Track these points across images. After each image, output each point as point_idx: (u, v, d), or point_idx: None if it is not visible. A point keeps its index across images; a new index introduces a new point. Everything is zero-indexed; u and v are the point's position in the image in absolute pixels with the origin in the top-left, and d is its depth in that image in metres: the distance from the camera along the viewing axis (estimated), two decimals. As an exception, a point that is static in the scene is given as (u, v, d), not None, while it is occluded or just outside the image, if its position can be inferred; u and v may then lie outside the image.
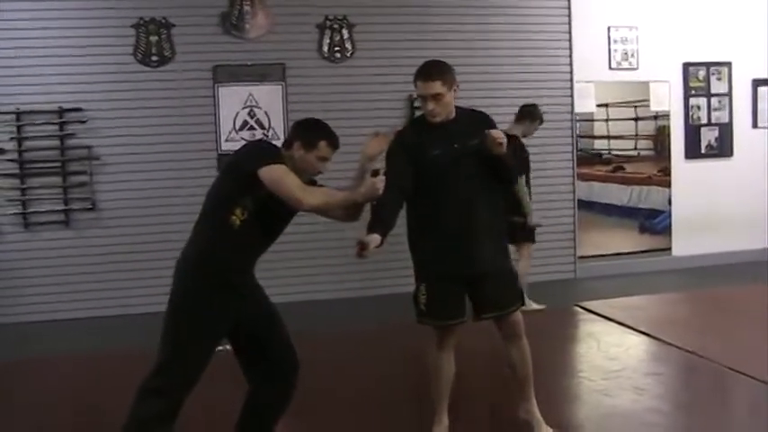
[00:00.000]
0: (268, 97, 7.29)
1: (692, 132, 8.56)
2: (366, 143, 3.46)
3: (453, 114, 3.61)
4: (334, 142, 3.27)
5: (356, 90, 7.41)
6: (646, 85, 8.51)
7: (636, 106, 9.70)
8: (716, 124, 8.61)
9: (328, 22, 7.42)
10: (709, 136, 8.60)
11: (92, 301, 6.95)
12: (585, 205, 8.75)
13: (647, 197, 9.58)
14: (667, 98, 8.49)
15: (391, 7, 7.50)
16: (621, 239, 9.17)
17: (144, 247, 6.97)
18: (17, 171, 6.88)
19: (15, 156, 6.86)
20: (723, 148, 8.63)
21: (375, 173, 3.26)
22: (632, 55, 8.23)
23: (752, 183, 8.51)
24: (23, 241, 6.91)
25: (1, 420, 4.41)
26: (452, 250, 3.57)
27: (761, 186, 8.51)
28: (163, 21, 7.08)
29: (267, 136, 7.15)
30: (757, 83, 8.68)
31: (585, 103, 8.26)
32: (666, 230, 8.65)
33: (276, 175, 3.08)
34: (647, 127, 9.78)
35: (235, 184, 3.17)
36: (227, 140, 7.18)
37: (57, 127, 6.91)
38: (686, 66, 8.45)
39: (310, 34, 7.41)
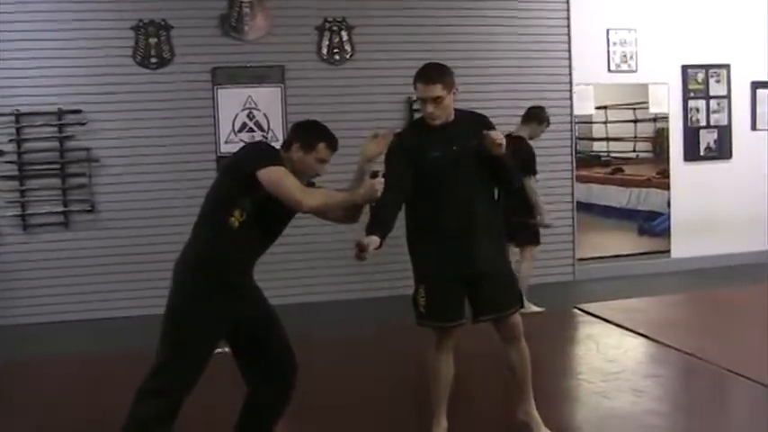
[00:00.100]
0: (267, 99, 7.29)
1: (691, 135, 8.56)
2: (365, 144, 3.47)
3: (452, 116, 3.62)
4: (332, 144, 3.27)
5: (355, 92, 7.42)
6: (645, 87, 8.52)
7: (635, 108, 9.72)
8: (715, 126, 8.61)
9: (327, 24, 7.42)
10: (708, 138, 8.60)
11: (91, 303, 6.95)
12: (584, 207, 8.77)
13: (645, 199, 9.60)
14: (666, 100, 8.50)
15: (390, 9, 7.50)
16: (620, 241, 9.18)
17: (143, 249, 6.97)
18: (16, 173, 6.87)
19: (15, 157, 6.86)
20: (722, 150, 8.63)
21: (374, 174, 3.27)
22: (631, 57, 8.24)
23: (751, 185, 8.51)
24: (23, 243, 6.91)
25: (1, 420, 4.41)
26: (452, 251, 3.57)
27: (760, 188, 8.52)
28: (162, 23, 7.08)
29: (266, 138, 7.15)
30: (756, 85, 8.69)
31: (584, 106, 8.27)
32: (665, 232, 8.66)
33: (275, 177, 3.08)
34: (646, 129, 9.80)
35: (234, 186, 3.17)
36: (226, 142, 7.18)
37: (56, 129, 6.91)
38: (685, 68, 8.45)
39: (309, 36, 7.41)
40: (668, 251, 8.59)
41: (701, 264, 8.33)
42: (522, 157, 6.15)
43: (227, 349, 3.37)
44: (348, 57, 7.48)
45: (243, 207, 3.14)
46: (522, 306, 3.85)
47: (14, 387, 5.11)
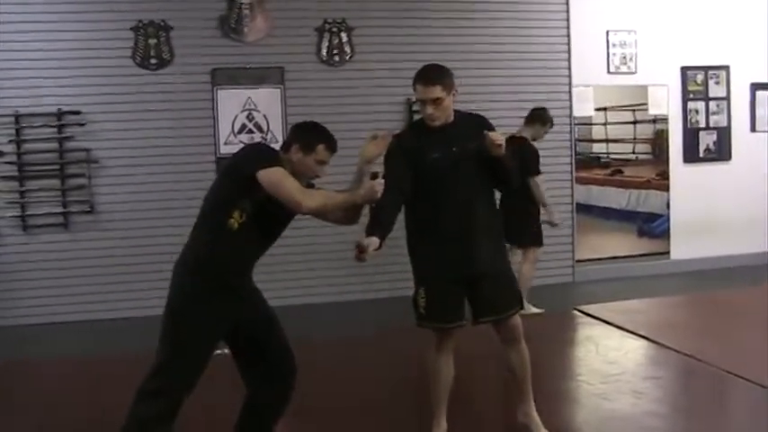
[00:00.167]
0: (267, 100, 7.29)
1: (691, 136, 8.56)
2: (364, 146, 3.46)
3: (452, 118, 3.62)
4: (332, 146, 3.27)
5: (355, 93, 7.41)
6: (644, 88, 8.53)
7: (634, 110, 9.75)
8: (714, 128, 8.62)
9: (327, 26, 7.42)
10: (707, 140, 8.60)
11: (90, 304, 6.94)
12: (584, 209, 8.79)
13: (645, 201, 9.61)
14: (666, 102, 8.50)
15: (390, 11, 7.51)
16: (620, 243, 9.19)
17: (142, 250, 6.97)
18: (16, 174, 6.87)
19: (14, 158, 6.85)
20: (721, 151, 8.63)
21: (374, 176, 3.27)
22: (631, 59, 8.24)
23: (750, 186, 8.51)
24: (22, 244, 6.90)
25: (1, 420, 4.41)
26: (451, 252, 3.57)
27: (759, 190, 8.52)
28: (161, 23, 7.08)
29: (266, 139, 7.15)
30: (756, 87, 8.69)
31: (584, 107, 8.28)
32: (665, 234, 8.66)
33: (275, 178, 3.08)
34: (646, 131, 9.82)
35: (233, 187, 3.17)
36: (225, 143, 7.17)
37: (55, 130, 6.91)
38: (684, 69, 8.45)
39: (309, 37, 7.41)
40: (668, 253, 8.59)
41: (701, 265, 8.32)
42: (525, 158, 6.21)
43: (226, 350, 3.37)
44: (348, 58, 7.48)
45: (242, 208, 3.14)
46: (522, 307, 3.85)
47: (14, 387, 5.12)
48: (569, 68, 7.94)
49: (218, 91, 7.20)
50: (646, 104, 8.73)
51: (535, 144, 6.53)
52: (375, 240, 3.33)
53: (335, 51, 7.44)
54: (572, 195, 8.05)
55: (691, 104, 8.53)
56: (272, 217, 3.22)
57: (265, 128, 7.29)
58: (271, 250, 3.36)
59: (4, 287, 6.83)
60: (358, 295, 7.34)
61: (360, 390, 4.80)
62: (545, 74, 7.84)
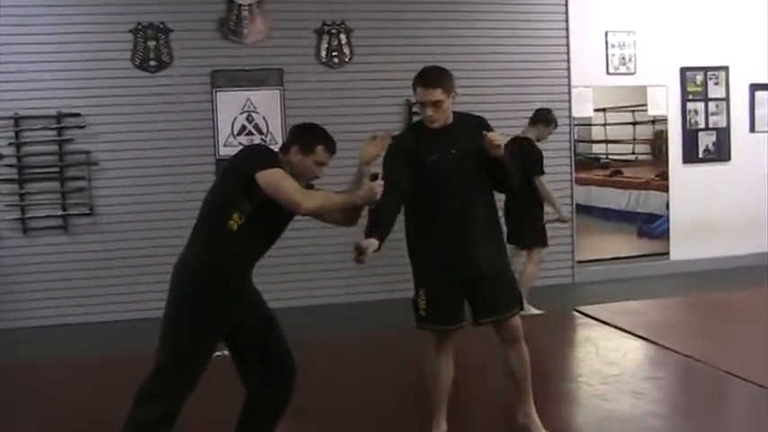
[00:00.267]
0: (266, 102, 7.29)
1: (690, 137, 8.57)
2: (363, 147, 3.46)
3: (451, 119, 3.62)
4: (331, 147, 3.27)
5: (354, 95, 7.42)
6: (643, 89, 8.52)
7: (633, 111, 9.73)
8: (713, 129, 8.62)
9: (326, 28, 7.42)
10: (706, 140, 8.60)
11: (90, 306, 6.94)
12: (583, 210, 8.77)
13: (645, 201, 9.60)
14: (665, 103, 8.50)
15: (389, 12, 7.51)
16: (619, 244, 9.18)
17: (142, 252, 6.97)
18: (15, 176, 6.87)
19: (14, 161, 6.86)
20: (721, 152, 8.63)
21: (374, 177, 3.27)
22: (630, 59, 8.24)
23: (749, 187, 8.51)
24: (22, 246, 6.90)
25: (0, 421, 4.41)
26: (451, 254, 3.57)
27: (759, 191, 8.52)
28: (161, 26, 7.09)
29: (265, 141, 7.16)
30: (755, 87, 8.69)
31: (583, 108, 8.27)
32: (664, 235, 8.66)
33: (274, 179, 3.08)
34: (645, 131, 9.80)
35: (233, 189, 3.17)
36: (225, 145, 7.18)
37: (55, 132, 6.91)
38: (684, 70, 8.46)
39: (308, 39, 7.42)
40: (667, 253, 8.60)
41: (701, 266, 8.33)
42: (529, 159, 6.24)
43: (226, 352, 3.37)
44: (347, 60, 7.48)
45: (242, 210, 3.14)
46: (522, 308, 3.85)
47: (14, 389, 5.12)
48: (568, 69, 7.95)
49: (218, 93, 7.21)
50: (645, 105, 8.72)
51: (538, 145, 6.55)
52: (374, 242, 3.33)
53: (335, 53, 7.45)
54: (572, 196, 8.05)
55: (690, 105, 8.54)
56: (272, 218, 3.22)
57: (265, 129, 7.29)
58: (270, 252, 3.35)
59: (3, 290, 6.83)
60: (357, 297, 7.34)
61: (359, 391, 4.80)
62: (544, 75, 7.85)
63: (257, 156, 3.25)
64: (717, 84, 8.58)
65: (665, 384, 4.93)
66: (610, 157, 10.94)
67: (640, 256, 8.79)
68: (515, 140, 6.31)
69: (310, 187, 3.34)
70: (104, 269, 6.98)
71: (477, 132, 3.53)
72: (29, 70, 6.81)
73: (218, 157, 7.14)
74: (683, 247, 8.51)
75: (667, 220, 8.64)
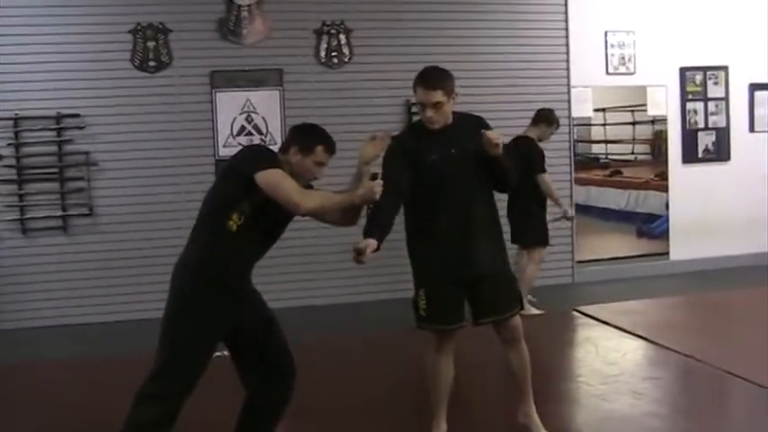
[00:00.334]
0: (265, 102, 7.29)
1: (690, 137, 8.57)
2: (362, 147, 3.46)
3: (450, 119, 3.62)
4: (331, 147, 3.27)
5: (353, 95, 7.42)
6: (643, 89, 8.52)
7: (633, 111, 9.72)
8: (713, 128, 8.63)
9: (325, 28, 7.42)
10: (706, 140, 8.61)
11: (90, 307, 6.94)
12: (583, 210, 8.76)
13: (644, 201, 9.59)
14: (664, 102, 8.51)
15: (389, 12, 7.51)
16: (619, 244, 9.18)
17: (141, 253, 6.97)
18: (15, 177, 6.87)
19: (13, 161, 6.86)
20: (720, 152, 8.64)
21: (374, 177, 3.27)
22: (629, 59, 8.25)
23: (749, 187, 8.52)
24: (21, 247, 6.90)
25: (0, 422, 4.41)
26: (450, 254, 3.57)
27: (758, 190, 8.52)
28: (160, 26, 7.09)
29: (265, 141, 7.16)
30: (754, 87, 8.69)
31: (583, 108, 8.27)
32: (664, 235, 8.66)
33: (273, 180, 3.08)
34: (645, 131, 9.80)
35: (232, 189, 3.17)
36: (224, 146, 7.18)
37: (54, 133, 6.91)
38: (683, 70, 8.46)
39: (308, 39, 7.42)
40: (667, 253, 8.60)
41: (700, 266, 8.33)
42: (531, 158, 6.25)
43: (225, 353, 3.37)
44: (346, 60, 7.48)
45: (241, 210, 3.14)
46: (522, 308, 3.85)
47: (14, 390, 5.13)
48: (568, 69, 7.95)
49: (217, 93, 7.21)
50: (645, 105, 8.72)
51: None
52: (372, 242, 3.33)
53: (334, 53, 7.45)
54: (571, 196, 8.05)
55: (689, 105, 8.54)
56: (271, 218, 3.22)
57: (264, 130, 7.29)
58: (271, 252, 3.35)
59: (3, 290, 6.83)
60: (358, 297, 7.34)
61: (360, 391, 4.80)
62: (544, 75, 7.85)
63: (256, 156, 3.25)
64: (716, 84, 8.58)
65: (665, 384, 4.93)
66: (609, 157, 10.93)
67: (640, 256, 8.79)
68: (518, 140, 6.34)
69: (309, 187, 3.34)
70: (104, 270, 6.98)
71: (477, 132, 3.53)
72: (29, 71, 6.81)
73: (217, 157, 7.14)
74: (682, 247, 8.52)
75: (667, 220, 8.64)
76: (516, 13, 7.83)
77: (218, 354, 3.26)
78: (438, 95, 3.51)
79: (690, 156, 8.56)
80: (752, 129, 8.75)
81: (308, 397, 3.91)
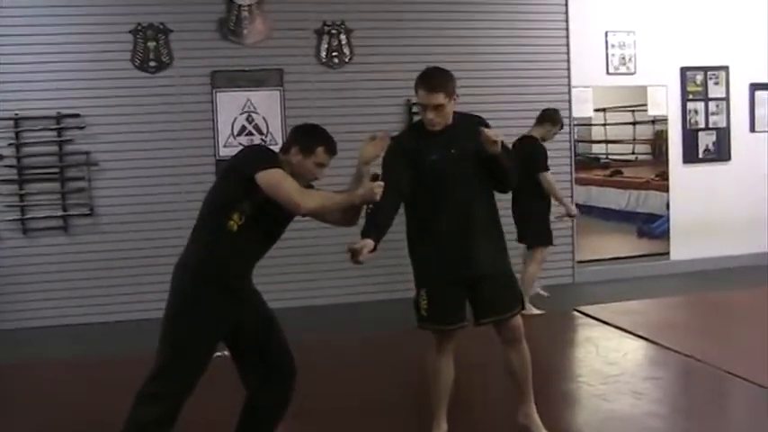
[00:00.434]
0: (266, 103, 7.29)
1: (690, 137, 8.57)
2: (363, 147, 3.46)
3: (450, 120, 3.62)
4: (331, 148, 3.27)
5: (354, 95, 7.42)
6: (643, 89, 8.52)
7: (633, 111, 9.72)
8: (713, 128, 8.62)
9: (326, 28, 7.42)
10: (706, 140, 8.60)
11: (90, 307, 6.94)
12: (584, 210, 8.76)
13: (645, 201, 9.59)
14: (665, 102, 8.50)
15: (389, 12, 7.51)
16: (620, 244, 9.18)
17: (142, 253, 6.97)
18: (15, 177, 6.87)
19: (14, 161, 6.86)
20: (721, 152, 8.63)
21: (375, 177, 3.27)
22: (630, 59, 8.24)
23: (750, 187, 8.51)
24: (22, 247, 6.90)
25: (0, 421, 4.41)
26: (451, 254, 3.57)
27: (759, 190, 8.52)
28: (161, 26, 7.09)
29: (265, 141, 7.16)
30: (755, 87, 8.69)
31: (583, 108, 8.27)
32: (665, 235, 8.66)
33: (274, 180, 3.08)
34: (645, 131, 9.80)
35: (232, 189, 3.17)
36: (225, 146, 7.18)
37: (55, 133, 6.91)
38: (684, 70, 8.46)
39: (308, 40, 7.41)
40: (667, 253, 8.59)
41: (701, 266, 8.33)
42: (534, 158, 6.26)
43: (226, 353, 3.37)
44: (347, 60, 7.48)
45: (242, 210, 3.14)
46: (524, 307, 3.85)
47: (14, 390, 5.13)
48: (568, 69, 7.95)
49: (218, 93, 7.21)
50: (645, 105, 8.72)
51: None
52: (369, 242, 3.33)
53: (335, 53, 7.44)
54: (572, 196, 8.03)
55: (690, 105, 8.54)
56: (272, 218, 3.22)
57: (265, 130, 7.29)
58: (271, 252, 3.35)
59: (3, 290, 6.83)
60: (358, 297, 7.34)
61: (360, 391, 4.80)
62: (544, 75, 7.85)
63: (257, 156, 3.25)
64: (717, 83, 8.58)
65: (666, 384, 4.93)
66: (610, 157, 10.94)
67: (640, 256, 8.79)
68: (521, 140, 6.36)
69: (310, 187, 3.34)
70: (104, 270, 6.97)
71: (477, 131, 3.53)
72: (29, 71, 6.81)
73: (218, 157, 7.14)
74: (683, 247, 8.51)
75: (667, 220, 8.64)
76: (517, 13, 7.83)
77: (218, 354, 3.27)
78: (440, 98, 3.52)
79: (690, 156, 8.56)
80: (752, 129, 8.75)
81: (309, 397, 3.91)
